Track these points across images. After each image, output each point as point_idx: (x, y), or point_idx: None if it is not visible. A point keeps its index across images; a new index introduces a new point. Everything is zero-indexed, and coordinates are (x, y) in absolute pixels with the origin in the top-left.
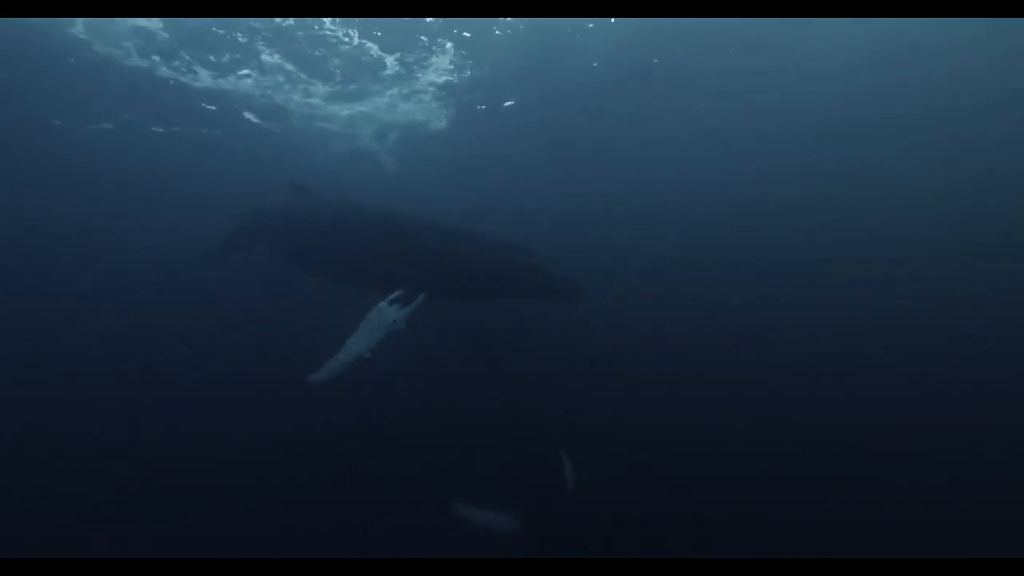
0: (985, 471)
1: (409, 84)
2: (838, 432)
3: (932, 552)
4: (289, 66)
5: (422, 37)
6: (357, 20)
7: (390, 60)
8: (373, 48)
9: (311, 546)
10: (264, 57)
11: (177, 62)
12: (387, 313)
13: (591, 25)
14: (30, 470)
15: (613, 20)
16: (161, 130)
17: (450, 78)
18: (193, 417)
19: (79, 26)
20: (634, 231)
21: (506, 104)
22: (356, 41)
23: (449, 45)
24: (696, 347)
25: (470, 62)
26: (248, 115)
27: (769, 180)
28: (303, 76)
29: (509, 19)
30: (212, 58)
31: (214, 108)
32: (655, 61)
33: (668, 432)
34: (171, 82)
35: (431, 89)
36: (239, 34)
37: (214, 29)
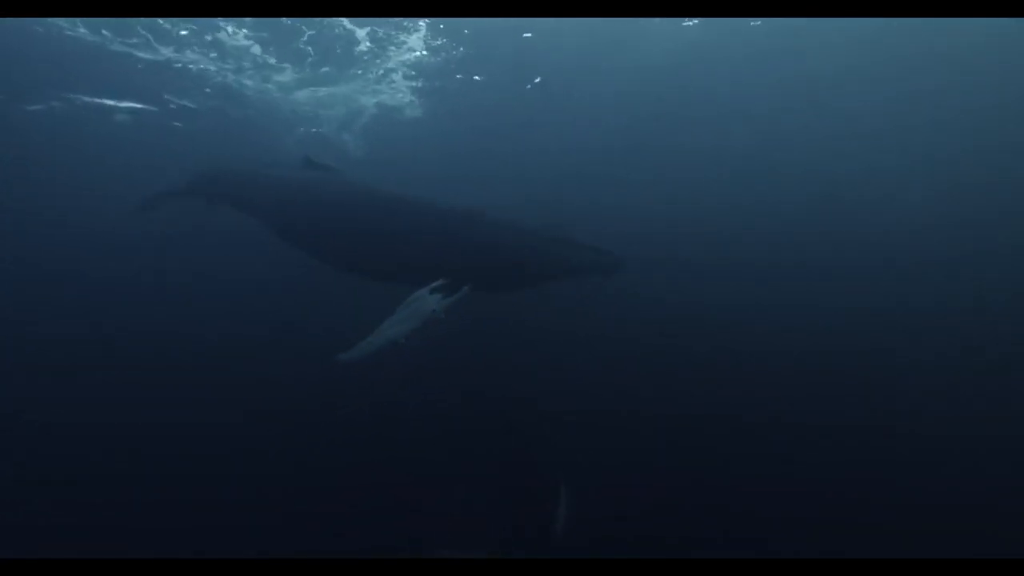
0: (985, 474)
1: (382, 66)
2: (841, 434)
3: (933, 552)
4: (255, 47)
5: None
6: None
7: (361, 34)
8: (343, 21)
9: (295, 542)
10: (229, 30)
11: (136, 40)
12: (428, 301)
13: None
14: (33, 465)
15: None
16: (112, 103)
17: (425, 59)
18: (206, 399)
19: None
20: (619, 229)
21: (479, 93)
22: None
23: (423, 23)
24: (687, 352)
25: (444, 42)
26: (209, 94)
27: (764, 185)
28: (270, 52)
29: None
30: (168, 26)
31: (173, 86)
32: (628, 43)
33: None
34: (123, 56)
35: (403, 69)
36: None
37: None
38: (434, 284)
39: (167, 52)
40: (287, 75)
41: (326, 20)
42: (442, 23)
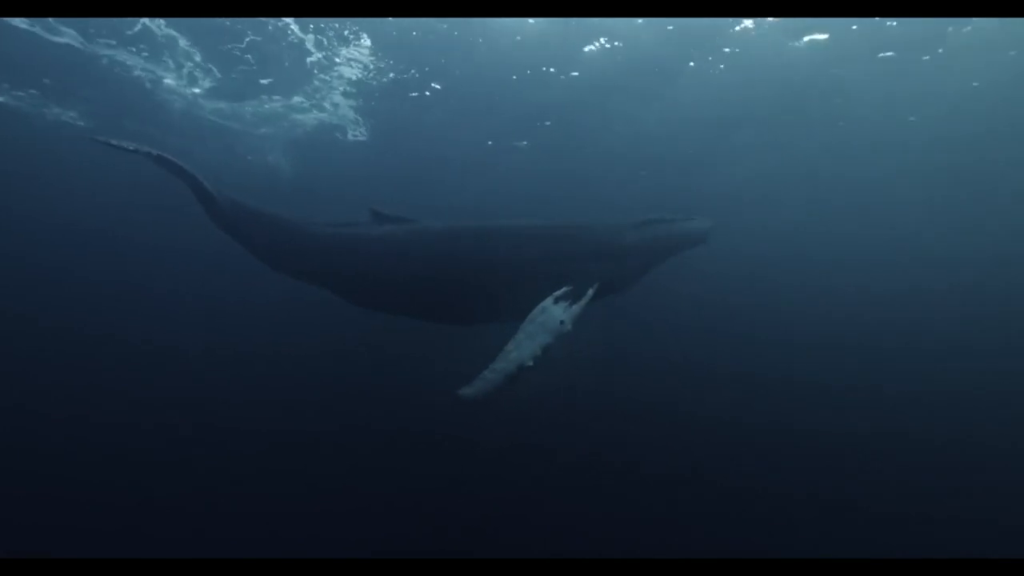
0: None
1: (325, 82)
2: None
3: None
4: (181, 46)
5: (335, 24)
6: None
7: (309, 44)
8: (294, 29)
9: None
10: (162, 31)
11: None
12: (553, 313)
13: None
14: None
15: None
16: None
17: (368, 79)
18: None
19: None
20: None
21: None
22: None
23: (366, 38)
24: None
25: (390, 61)
26: (114, 91)
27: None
28: (198, 55)
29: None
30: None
31: (93, 85)
32: (587, 48)
33: None
34: (26, 36)
35: (346, 89)
36: None
37: None
38: (557, 292)
39: (73, 35)
40: (211, 83)
41: (270, 27)
42: (390, 33)
